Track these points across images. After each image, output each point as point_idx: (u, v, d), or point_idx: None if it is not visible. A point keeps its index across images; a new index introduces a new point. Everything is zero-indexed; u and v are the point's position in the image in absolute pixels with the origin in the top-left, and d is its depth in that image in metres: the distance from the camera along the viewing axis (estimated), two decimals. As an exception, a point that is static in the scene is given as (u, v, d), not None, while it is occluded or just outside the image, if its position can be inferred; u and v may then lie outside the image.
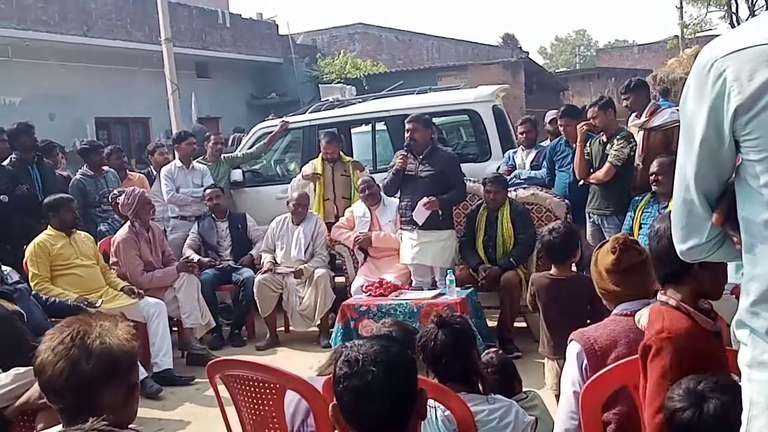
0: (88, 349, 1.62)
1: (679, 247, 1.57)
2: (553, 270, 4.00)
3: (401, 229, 6.07)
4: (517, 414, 2.54)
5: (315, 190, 7.02)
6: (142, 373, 4.73)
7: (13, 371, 2.61)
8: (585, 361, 2.50)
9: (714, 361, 1.96)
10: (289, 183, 7.48)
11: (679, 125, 5.35)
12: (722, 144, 1.43)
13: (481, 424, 2.45)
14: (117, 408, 1.62)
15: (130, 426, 1.68)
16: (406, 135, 5.89)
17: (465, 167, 6.30)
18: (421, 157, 5.84)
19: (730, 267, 1.57)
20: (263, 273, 6.37)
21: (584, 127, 5.86)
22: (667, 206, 5.17)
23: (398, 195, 6.19)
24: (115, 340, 1.66)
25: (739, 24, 20.86)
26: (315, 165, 7.06)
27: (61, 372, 1.60)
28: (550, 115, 7.74)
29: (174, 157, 7.52)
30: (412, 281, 5.98)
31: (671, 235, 1.62)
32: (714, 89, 1.40)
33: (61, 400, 1.64)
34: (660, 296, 2.11)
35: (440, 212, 5.78)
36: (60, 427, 1.68)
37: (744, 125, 1.39)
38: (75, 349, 1.62)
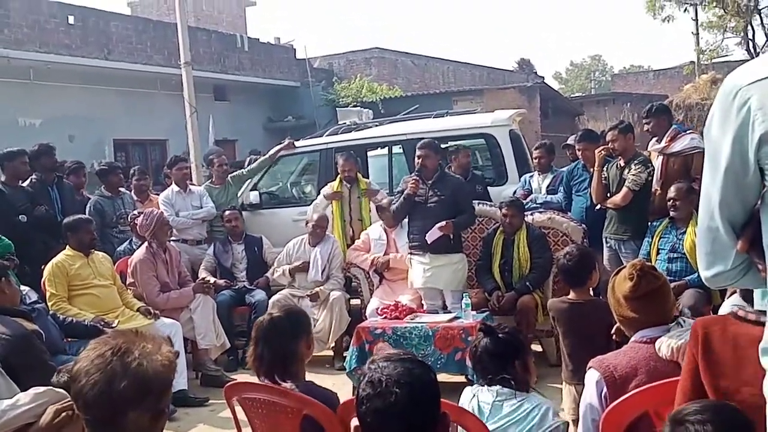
0: (125, 367, 1.62)
1: (704, 274, 1.56)
2: (571, 294, 3.98)
3: (410, 254, 5.96)
4: (547, 414, 2.55)
5: (333, 213, 6.98)
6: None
7: (32, 391, 2.61)
8: (604, 389, 2.47)
9: None
10: (305, 205, 7.48)
11: (698, 151, 5.30)
12: (747, 172, 1.42)
13: (506, 416, 2.56)
14: (141, 430, 1.62)
15: None
16: (417, 161, 5.83)
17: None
18: (430, 182, 5.78)
19: (757, 294, 1.55)
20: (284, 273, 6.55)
21: (602, 151, 5.85)
22: (685, 231, 5.15)
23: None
24: (153, 364, 1.65)
25: (755, 50, 20.80)
26: (333, 186, 7.08)
27: (94, 384, 1.60)
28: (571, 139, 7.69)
29: (192, 180, 7.54)
30: (423, 305, 5.95)
31: None
32: (738, 117, 1.40)
33: (89, 411, 1.64)
34: None
35: (451, 236, 5.74)
36: None
37: None
38: (112, 365, 1.62)
